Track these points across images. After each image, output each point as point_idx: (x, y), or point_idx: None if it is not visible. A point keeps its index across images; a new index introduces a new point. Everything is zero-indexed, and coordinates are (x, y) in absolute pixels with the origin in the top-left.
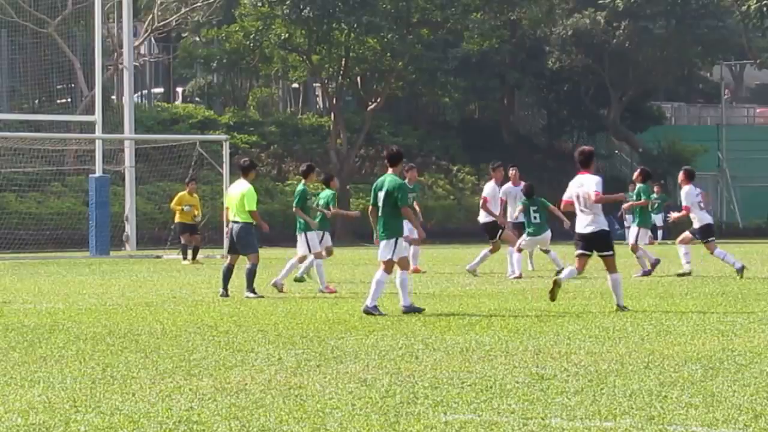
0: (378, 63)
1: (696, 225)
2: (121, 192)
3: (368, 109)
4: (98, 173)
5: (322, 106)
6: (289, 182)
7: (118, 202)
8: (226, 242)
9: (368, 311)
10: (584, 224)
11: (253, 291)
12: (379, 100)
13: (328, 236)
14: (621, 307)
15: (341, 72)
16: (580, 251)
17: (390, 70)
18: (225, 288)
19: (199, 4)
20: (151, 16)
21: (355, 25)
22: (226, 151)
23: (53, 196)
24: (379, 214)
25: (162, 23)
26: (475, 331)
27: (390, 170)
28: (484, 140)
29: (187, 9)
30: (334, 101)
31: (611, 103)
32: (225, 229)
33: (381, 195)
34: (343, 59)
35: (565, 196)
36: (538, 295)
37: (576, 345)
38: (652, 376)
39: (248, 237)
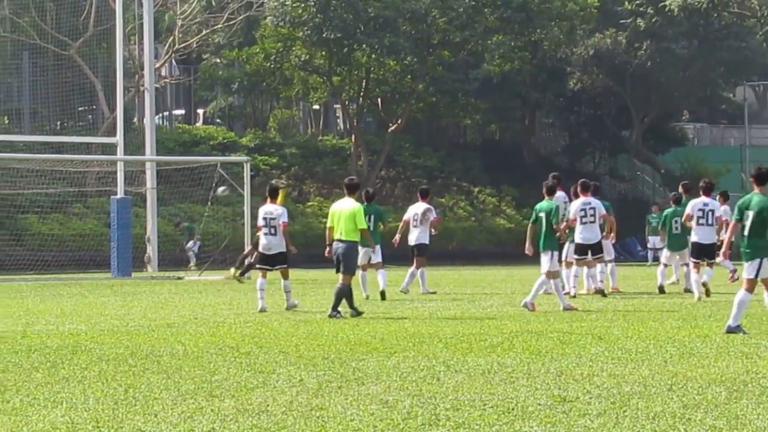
0: (398, 84)
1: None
2: (143, 213)
3: (389, 130)
4: (120, 195)
5: (342, 128)
6: (310, 203)
7: (139, 224)
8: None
9: (731, 330)
10: None
11: (338, 311)
12: (399, 121)
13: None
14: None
15: (362, 93)
16: None
17: (410, 92)
18: (336, 309)
19: (219, 26)
20: (172, 38)
21: (376, 47)
22: (246, 173)
23: (75, 218)
24: (744, 232)
25: (183, 45)
26: (496, 353)
27: (756, 189)
28: (505, 161)
29: (208, 31)
30: (355, 123)
31: (633, 125)
32: (327, 249)
33: (750, 214)
34: (364, 81)
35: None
36: (560, 316)
37: (598, 367)
38: (676, 398)
39: (354, 256)
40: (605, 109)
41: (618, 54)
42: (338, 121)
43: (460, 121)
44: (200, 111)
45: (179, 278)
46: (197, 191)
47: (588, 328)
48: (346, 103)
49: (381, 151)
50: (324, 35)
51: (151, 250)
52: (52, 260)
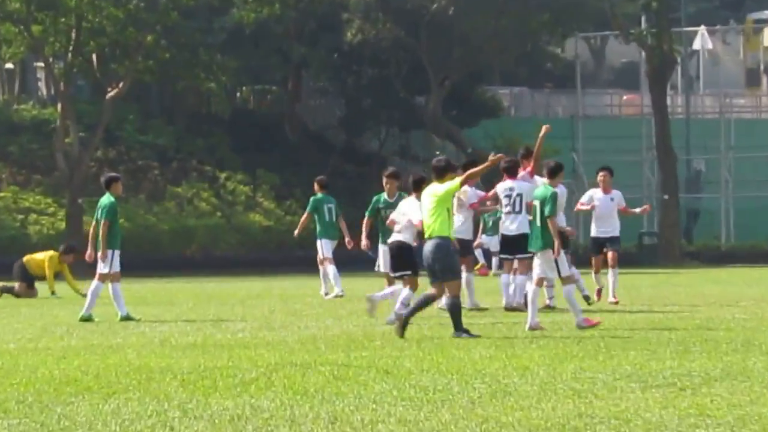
0: (120, 36)
1: None
2: None
3: (107, 97)
4: None
5: (45, 94)
6: (2, 195)
7: None
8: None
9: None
10: None
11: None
12: (121, 85)
13: None
14: None
15: (71, 48)
16: None
17: (136, 46)
18: None
19: None
20: None
21: None
22: None
23: None
24: None
25: None
26: (249, 393)
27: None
28: (262, 139)
29: None
30: (62, 87)
31: (430, 90)
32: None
33: None
34: (74, 31)
35: None
36: (335, 344)
37: (384, 411)
38: None
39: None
40: (394, 70)
41: None
42: (40, 84)
43: (202, 85)
44: None
45: None
46: None
47: (371, 358)
48: (51, 60)
49: (97, 124)
50: None
51: None
52: None
